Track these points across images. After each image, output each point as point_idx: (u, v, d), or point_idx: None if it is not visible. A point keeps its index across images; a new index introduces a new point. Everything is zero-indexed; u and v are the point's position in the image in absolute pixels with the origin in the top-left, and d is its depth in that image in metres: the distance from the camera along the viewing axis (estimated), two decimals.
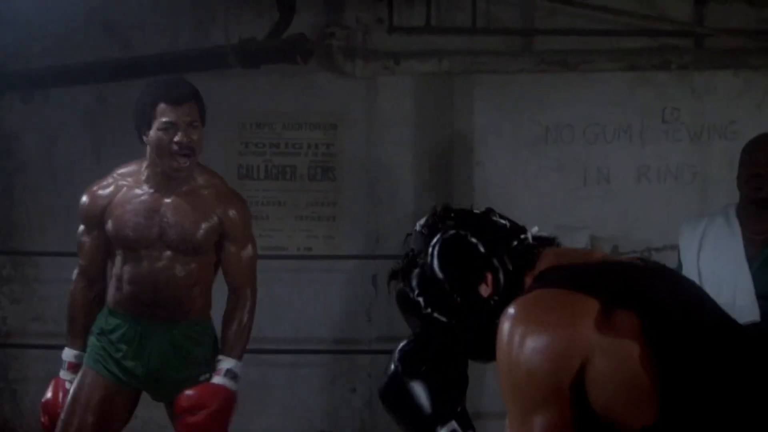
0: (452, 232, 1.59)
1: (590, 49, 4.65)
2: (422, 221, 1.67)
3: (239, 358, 3.06)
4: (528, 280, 1.53)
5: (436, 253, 1.57)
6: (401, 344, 1.80)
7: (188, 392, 2.95)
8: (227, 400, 3.00)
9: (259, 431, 4.82)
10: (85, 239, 3.10)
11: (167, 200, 2.99)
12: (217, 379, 3.00)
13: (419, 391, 1.70)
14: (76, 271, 3.14)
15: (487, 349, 1.50)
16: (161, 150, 2.92)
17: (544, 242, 1.60)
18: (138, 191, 3.01)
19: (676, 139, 4.70)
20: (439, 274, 1.56)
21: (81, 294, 3.12)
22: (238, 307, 3.10)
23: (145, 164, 3.02)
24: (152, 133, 2.93)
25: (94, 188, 3.07)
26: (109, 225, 3.00)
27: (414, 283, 1.60)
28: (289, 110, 4.92)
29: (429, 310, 1.58)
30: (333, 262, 4.86)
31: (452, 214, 1.63)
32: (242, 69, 4.61)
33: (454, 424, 1.65)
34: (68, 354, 3.12)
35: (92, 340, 3.06)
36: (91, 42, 4.80)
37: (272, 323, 4.87)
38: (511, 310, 1.41)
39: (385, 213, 4.86)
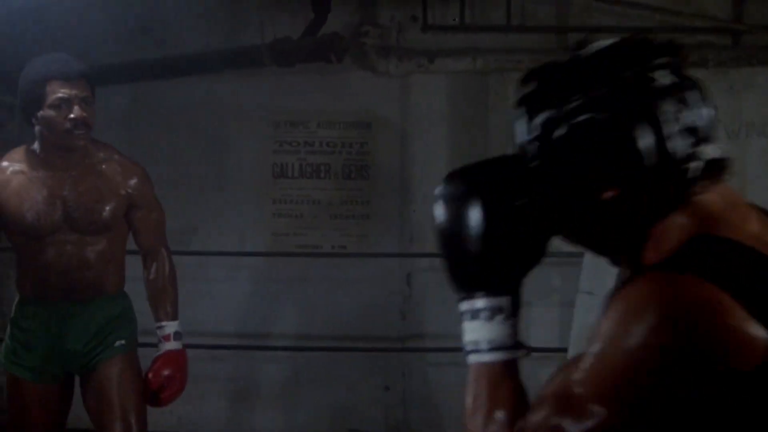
0: (614, 117, 1.15)
1: None
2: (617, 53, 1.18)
3: (177, 317, 3.02)
4: (676, 219, 1.17)
5: (582, 132, 1.16)
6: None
7: (155, 369, 2.91)
8: (186, 362, 2.99)
9: (291, 428, 4.85)
10: None
11: (66, 181, 2.86)
12: (171, 345, 2.97)
13: (488, 236, 1.27)
14: None
15: (579, 233, 1.26)
16: (55, 129, 2.76)
17: (713, 173, 1.17)
18: (32, 177, 2.85)
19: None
20: (573, 154, 1.18)
21: None
22: (160, 268, 3.05)
23: (35, 147, 2.86)
24: (43, 112, 2.76)
25: None
26: (6, 216, 2.85)
27: (544, 120, 1.21)
28: (323, 109, 4.93)
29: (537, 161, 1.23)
30: (367, 261, 4.86)
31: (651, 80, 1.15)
32: (277, 68, 4.63)
33: (504, 301, 1.27)
34: None
35: (7, 339, 2.99)
36: (127, 42, 4.85)
37: (306, 321, 4.90)
38: (674, 281, 1.09)
39: (419, 211, 4.85)
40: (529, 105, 1.25)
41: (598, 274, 3.84)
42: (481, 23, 4.73)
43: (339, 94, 4.89)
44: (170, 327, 2.99)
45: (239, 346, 4.82)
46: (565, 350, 4.09)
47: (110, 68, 4.80)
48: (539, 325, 4.60)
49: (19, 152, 2.91)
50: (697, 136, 1.15)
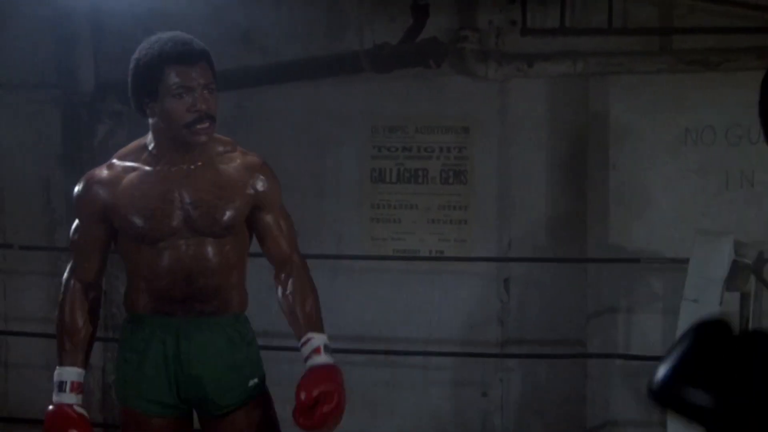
0: None
1: (732, 47, 4.48)
2: None
3: (323, 330, 2.61)
4: None
5: None
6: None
7: (307, 385, 2.45)
8: (342, 378, 2.53)
9: None
10: (82, 236, 2.57)
11: (185, 178, 2.48)
12: (323, 358, 2.53)
13: None
14: (67, 275, 2.61)
15: None
16: (175, 122, 2.39)
17: None
18: (146, 174, 2.49)
19: None
20: None
21: (78, 300, 2.57)
22: (298, 278, 2.63)
23: (149, 141, 2.51)
24: (160, 102, 2.40)
25: (92, 176, 2.54)
26: (119, 217, 2.48)
27: None
28: (421, 114, 4.94)
29: None
30: (465, 265, 4.85)
31: None
32: (376, 74, 4.67)
33: None
34: (70, 373, 2.54)
35: (122, 366, 2.58)
36: (230, 50, 4.96)
37: (404, 325, 4.91)
38: None
39: (518, 216, 4.82)
40: None
41: (704, 281, 3.74)
42: (582, 26, 4.67)
43: (437, 99, 4.89)
44: (319, 339, 2.56)
45: (337, 349, 4.87)
46: None
47: (219, 75, 4.92)
48: (640, 333, 4.51)
49: (130, 148, 2.58)
50: None
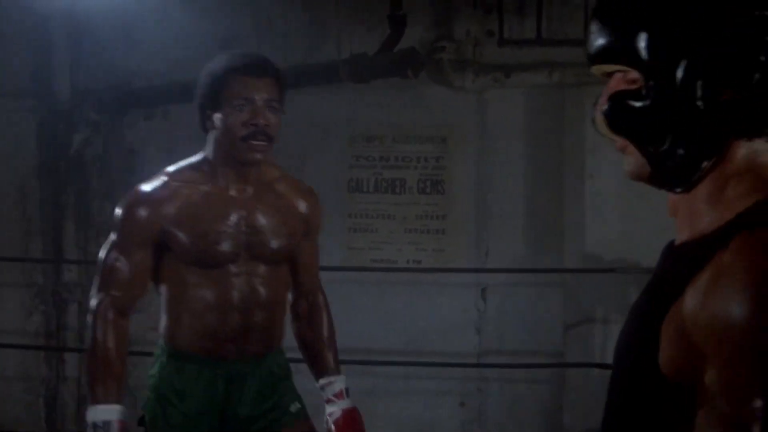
0: None
1: None
2: None
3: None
4: None
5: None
6: None
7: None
8: (362, 422, 2.53)
9: None
10: (126, 260, 2.32)
11: (246, 201, 2.36)
12: (348, 403, 2.50)
13: None
14: (99, 300, 2.35)
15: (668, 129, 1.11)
16: (230, 135, 2.27)
17: None
18: (207, 194, 2.35)
19: None
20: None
21: (116, 332, 2.34)
22: (322, 315, 2.60)
23: (206, 156, 2.38)
24: (220, 113, 2.28)
25: (144, 194, 2.35)
26: (174, 240, 2.30)
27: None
28: (399, 124, 4.95)
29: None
30: (442, 275, 4.86)
31: None
32: (353, 83, 4.67)
33: None
34: (113, 412, 2.29)
35: (162, 405, 2.40)
36: (207, 59, 4.94)
37: (382, 335, 4.91)
38: None
39: (495, 226, 4.83)
40: None
41: None
42: (558, 37, 4.70)
43: (415, 109, 4.91)
44: (341, 382, 2.52)
45: None
46: None
47: (192, 84, 4.92)
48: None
49: (183, 166, 2.43)
50: None
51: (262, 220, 2.36)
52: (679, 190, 1.18)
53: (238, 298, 2.34)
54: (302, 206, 2.48)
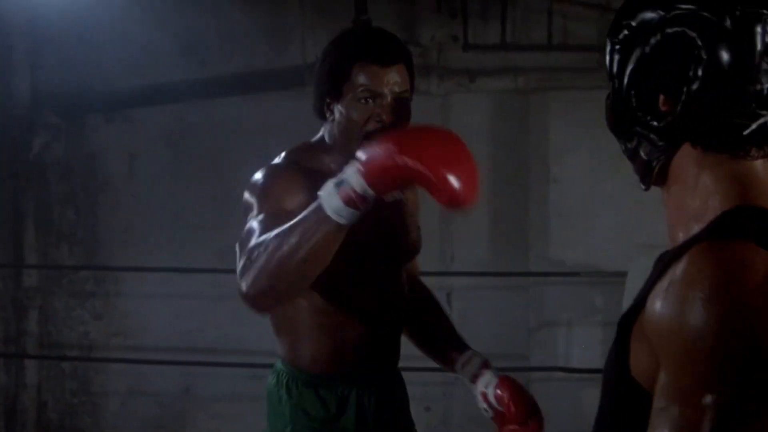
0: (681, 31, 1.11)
1: None
2: None
3: None
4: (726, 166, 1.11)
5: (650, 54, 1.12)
6: None
7: (511, 398, 2.13)
8: None
9: None
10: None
11: None
12: (496, 373, 2.19)
13: None
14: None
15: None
16: (354, 130, 1.93)
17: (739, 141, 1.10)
18: None
19: None
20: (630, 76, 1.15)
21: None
22: (431, 294, 2.39)
23: (327, 148, 2.04)
24: (344, 104, 1.95)
25: (289, 171, 2.03)
26: None
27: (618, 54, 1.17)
28: None
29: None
30: None
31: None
32: None
33: None
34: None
35: None
36: (172, 62, 4.91)
37: None
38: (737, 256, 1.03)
39: (459, 231, 4.84)
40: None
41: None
42: (523, 42, 4.72)
43: None
44: (479, 355, 2.25)
45: None
46: None
47: (155, 88, 4.88)
48: (581, 346, 4.55)
49: (304, 150, 2.11)
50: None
51: (398, 216, 2.10)
52: (643, 187, 1.23)
53: (381, 306, 2.04)
54: (410, 194, 2.17)
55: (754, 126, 1.09)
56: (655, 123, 1.14)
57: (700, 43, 1.08)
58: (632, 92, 1.15)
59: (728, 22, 1.08)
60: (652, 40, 1.12)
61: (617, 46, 1.17)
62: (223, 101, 4.82)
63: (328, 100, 1.98)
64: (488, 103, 4.81)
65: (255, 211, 1.94)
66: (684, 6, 1.11)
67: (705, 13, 1.09)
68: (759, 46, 1.08)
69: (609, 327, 4.26)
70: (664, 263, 1.12)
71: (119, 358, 4.89)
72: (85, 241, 5.12)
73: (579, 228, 4.56)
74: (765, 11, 1.09)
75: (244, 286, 1.80)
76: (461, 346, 2.24)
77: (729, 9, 1.09)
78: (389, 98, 1.93)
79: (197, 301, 4.90)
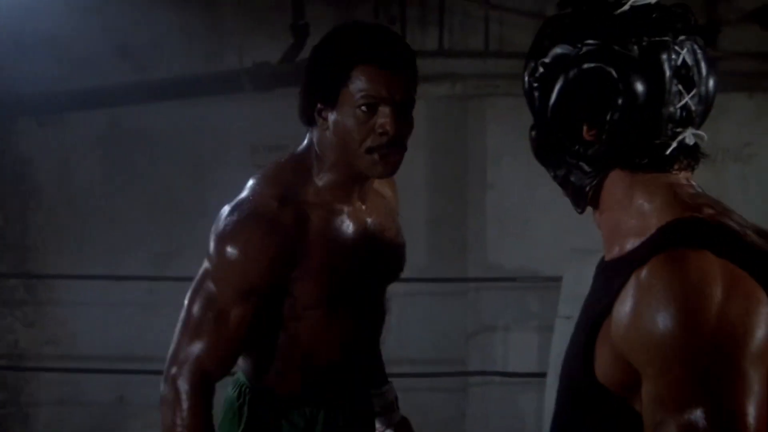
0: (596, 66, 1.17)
1: None
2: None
3: None
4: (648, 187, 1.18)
5: (568, 85, 1.19)
6: None
7: None
8: None
9: None
10: (233, 314, 1.74)
11: (365, 216, 1.87)
12: (398, 415, 2.15)
13: None
14: (192, 369, 1.75)
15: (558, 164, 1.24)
16: (352, 142, 1.73)
17: (688, 158, 1.20)
18: (333, 212, 1.80)
19: None
20: (557, 106, 1.22)
21: (207, 412, 1.76)
22: None
23: (315, 163, 1.82)
24: (339, 112, 1.73)
25: (272, 216, 1.73)
26: (312, 276, 1.76)
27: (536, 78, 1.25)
28: (302, 134, 4.90)
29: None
30: None
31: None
32: (256, 93, 4.63)
33: None
34: None
35: None
36: (106, 66, 4.83)
37: None
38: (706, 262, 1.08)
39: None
40: (558, 32, 1.24)
41: (578, 298, 3.84)
42: (460, 48, 4.76)
43: None
44: (392, 391, 2.15)
45: None
46: (543, 375, 4.08)
47: (89, 92, 4.79)
48: (518, 350, 4.59)
49: (289, 171, 1.85)
50: (688, 117, 1.18)
51: (386, 236, 1.92)
52: (579, 210, 1.29)
53: (363, 333, 1.90)
54: (392, 199, 2.02)
55: (674, 144, 1.18)
56: (582, 151, 1.21)
57: (615, 75, 1.15)
58: (557, 124, 1.22)
59: (636, 53, 1.15)
60: (571, 75, 1.19)
61: (535, 84, 1.24)
62: (158, 106, 4.76)
63: (320, 106, 1.75)
64: (426, 109, 4.82)
65: (212, 270, 1.76)
66: (592, 42, 1.17)
67: (615, 47, 1.16)
68: (668, 72, 1.16)
69: (545, 331, 4.31)
70: (615, 272, 1.16)
71: (51, 367, 4.79)
72: (16, 248, 5.00)
73: (516, 233, 4.60)
74: (668, 38, 1.16)
75: (165, 386, 1.77)
76: (382, 374, 2.12)
77: (636, 40, 1.16)
78: (394, 108, 1.72)
79: (132, 309, 4.83)
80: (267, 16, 4.88)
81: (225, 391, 1.94)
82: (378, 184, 1.96)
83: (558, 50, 1.21)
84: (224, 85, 4.66)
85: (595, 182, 1.23)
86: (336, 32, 1.77)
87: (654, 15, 1.17)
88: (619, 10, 1.18)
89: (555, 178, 1.30)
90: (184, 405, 1.72)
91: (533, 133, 1.29)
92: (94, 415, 4.86)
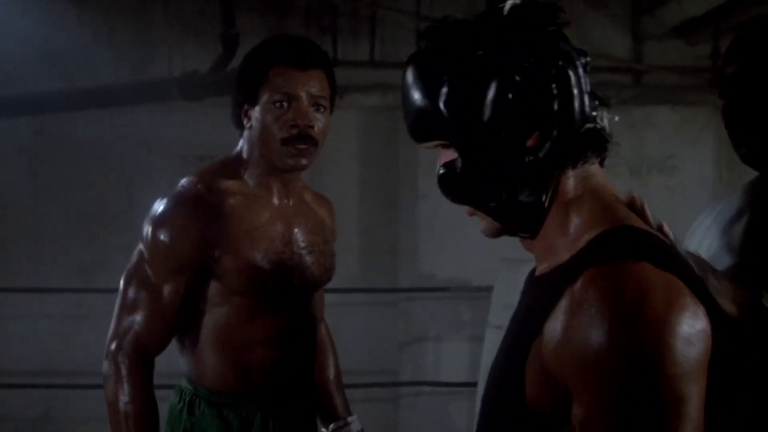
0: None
1: None
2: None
3: None
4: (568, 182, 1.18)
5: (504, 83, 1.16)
6: None
7: None
8: None
9: None
10: (166, 290, 1.87)
11: (294, 215, 2.00)
12: None
13: None
14: (128, 341, 1.89)
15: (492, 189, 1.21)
16: (269, 136, 1.89)
17: (597, 146, 1.22)
18: (257, 204, 1.94)
19: (617, 174, 4.78)
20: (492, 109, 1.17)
21: (147, 382, 1.89)
22: (329, 349, 2.25)
23: (242, 158, 1.98)
24: (260, 110, 1.90)
25: (194, 197, 1.91)
26: (234, 260, 1.87)
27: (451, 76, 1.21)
28: (232, 143, 4.87)
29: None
30: None
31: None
32: (186, 102, 4.58)
33: None
34: None
35: None
36: (31, 73, 4.73)
37: None
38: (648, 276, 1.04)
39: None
40: (449, 58, 1.25)
41: (508, 308, 3.88)
42: (391, 59, 4.79)
43: None
44: (356, 423, 2.16)
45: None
46: (474, 384, 4.11)
47: (14, 99, 4.68)
48: (449, 360, 4.62)
49: (218, 166, 2.02)
50: (595, 100, 1.19)
51: (312, 238, 2.00)
52: (528, 234, 1.22)
53: (291, 333, 1.95)
54: (328, 220, 2.13)
55: (595, 129, 1.20)
56: (530, 158, 1.17)
57: (552, 74, 1.16)
58: (497, 139, 1.17)
59: (554, 72, 1.15)
60: (503, 86, 1.16)
61: (451, 108, 1.19)
62: (85, 114, 4.68)
63: (245, 107, 1.94)
64: (359, 119, 4.84)
65: (145, 251, 1.92)
66: (499, 51, 1.17)
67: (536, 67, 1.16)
68: (580, 69, 1.18)
69: (476, 341, 4.35)
70: (546, 286, 1.13)
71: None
72: None
73: (447, 243, 4.63)
74: (578, 62, 1.18)
75: (106, 362, 1.90)
76: (339, 409, 2.17)
77: (552, 62, 1.16)
78: (305, 102, 1.89)
79: (59, 322, 4.73)
80: (197, 25, 4.85)
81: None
82: (313, 201, 2.10)
83: (469, 68, 1.19)
84: (153, 94, 4.60)
85: (543, 191, 1.18)
86: (262, 41, 1.99)
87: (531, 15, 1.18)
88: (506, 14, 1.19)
89: (491, 210, 1.25)
90: (126, 379, 1.86)
91: (458, 164, 1.22)
92: (18, 430, 4.74)
